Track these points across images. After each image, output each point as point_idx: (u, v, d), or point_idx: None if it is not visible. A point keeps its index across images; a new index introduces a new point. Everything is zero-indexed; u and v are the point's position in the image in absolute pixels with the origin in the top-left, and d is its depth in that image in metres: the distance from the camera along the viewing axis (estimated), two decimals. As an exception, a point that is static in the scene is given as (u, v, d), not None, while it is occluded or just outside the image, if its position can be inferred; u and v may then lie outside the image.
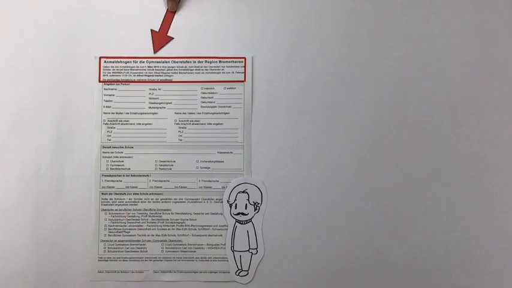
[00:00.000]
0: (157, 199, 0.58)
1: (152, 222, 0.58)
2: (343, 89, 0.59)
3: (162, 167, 0.59)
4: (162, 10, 0.59)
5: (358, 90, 0.59)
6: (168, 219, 0.58)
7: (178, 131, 0.59)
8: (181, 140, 0.59)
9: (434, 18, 0.59)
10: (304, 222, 0.57)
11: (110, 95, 0.59)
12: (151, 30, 0.59)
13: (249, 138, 0.59)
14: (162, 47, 0.59)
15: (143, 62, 0.59)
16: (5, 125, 0.58)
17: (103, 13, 0.60)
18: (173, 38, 0.59)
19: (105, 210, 0.58)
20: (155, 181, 0.59)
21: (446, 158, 0.58)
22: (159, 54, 0.59)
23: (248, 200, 0.58)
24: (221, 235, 0.58)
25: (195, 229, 0.58)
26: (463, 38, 0.59)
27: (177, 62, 0.59)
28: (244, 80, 0.59)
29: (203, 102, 0.59)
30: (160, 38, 0.59)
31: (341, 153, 0.58)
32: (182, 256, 0.58)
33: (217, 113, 0.59)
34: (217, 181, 0.58)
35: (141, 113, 0.59)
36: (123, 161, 0.59)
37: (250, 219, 0.58)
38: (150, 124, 0.59)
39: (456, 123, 0.58)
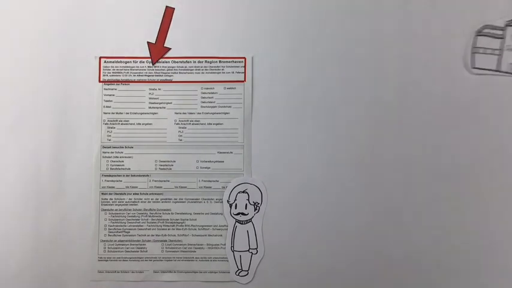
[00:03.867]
0: (157, 199, 0.58)
1: (152, 222, 0.58)
2: (343, 89, 0.59)
3: (162, 167, 0.59)
4: (162, 9, 0.59)
5: (358, 90, 0.58)
6: (168, 219, 0.58)
7: (178, 131, 0.59)
8: (181, 140, 0.59)
9: (435, 18, 0.59)
10: (304, 222, 0.57)
11: (110, 95, 0.59)
12: (148, 42, 0.59)
13: (249, 138, 0.59)
14: (160, 58, 0.59)
15: (143, 62, 0.59)
16: (5, 125, 0.59)
17: (103, 13, 0.60)
18: (170, 49, 0.59)
19: (105, 210, 0.58)
20: (155, 181, 0.59)
21: (446, 158, 0.57)
22: (159, 54, 0.60)
23: (248, 200, 0.58)
24: (221, 235, 0.58)
25: (195, 229, 0.58)
26: (463, 38, 0.58)
27: (177, 62, 0.59)
28: (244, 80, 0.59)
29: (203, 102, 0.59)
30: (157, 49, 0.59)
31: (341, 153, 0.58)
32: (182, 256, 0.58)
33: (217, 113, 0.59)
34: (217, 181, 0.58)
35: (141, 113, 0.59)
36: (123, 161, 0.59)
37: (250, 219, 0.58)
38: (150, 124, 0.59)
39: (456, 123, 0.58)
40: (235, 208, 0.58)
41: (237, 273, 0.57)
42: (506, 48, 0.54)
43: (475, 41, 0.55)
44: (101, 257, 0.58)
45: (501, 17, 0.58)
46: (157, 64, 0.59)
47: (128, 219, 0.58)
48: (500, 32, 0.55)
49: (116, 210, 0.58)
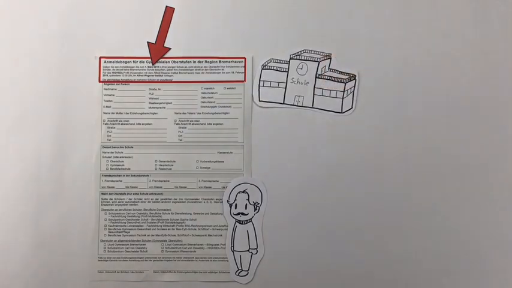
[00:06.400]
0: (157, 199, 0.58)
1: (152, 222, 0.58)
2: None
3: (162, 167, 0.59)
4: (162, 9, 0.59)
5: (357, 90, 0.59)
6: (168, 219, 0.58)
7: (178, 131, 0.59)
8: (181, 140, 0.59)
9: (435, 18, 0.59)
10: (305, 222, 0.57)
11: (110, 95, 0.59)
12: (147, 42, 0.59)
13: (249, 138, 0.59)
14: (160, 58, 0.59)
15: (143, 62, 0.59)
16: (5, 125, 0.59)
17: (103, 13, 0.60)
18: (170, 49, 0.59)
19: (105, 210, 0.58)
20: (155, 181, 0.59)
21: (447, 158, 0.57)
22: (159, 54, 0.60)
23: (248, 200, 0.58)
24: (221, 235, 0.58)
25: (195, 229, 0.58)
26: (463, 38, 0.58)
27: (177, 62, 0.59)
28: (244, 80, 0.59)
29: (203, 102, 0.59)
30: (157, 49, 0.59)
31: (341, 153, 0.58)
32: (182, 256, 0.58)
33: (217, 113, 0.59)
34: (217, 181, 0.58)
35: (141, 113, 0.59)
36: (123, 161, 0.59)
37: (250, 219, 0.58)
38: (150, 124, 0.59)
39: (457, 123, 0.58)
40: (235, 208, 0.58)
41: (237, 273, 0.57)
42: (291, 81, 0.56)
43: (260, 75, 0.58)
44: (101, 257, 0.58)
45: (284, 50, 0.58)
46: (157, 64, 0.59)
47: (128, 219, 0.58)
48: (284, 66, 0.58)
49: (116, 210, 0.58)
